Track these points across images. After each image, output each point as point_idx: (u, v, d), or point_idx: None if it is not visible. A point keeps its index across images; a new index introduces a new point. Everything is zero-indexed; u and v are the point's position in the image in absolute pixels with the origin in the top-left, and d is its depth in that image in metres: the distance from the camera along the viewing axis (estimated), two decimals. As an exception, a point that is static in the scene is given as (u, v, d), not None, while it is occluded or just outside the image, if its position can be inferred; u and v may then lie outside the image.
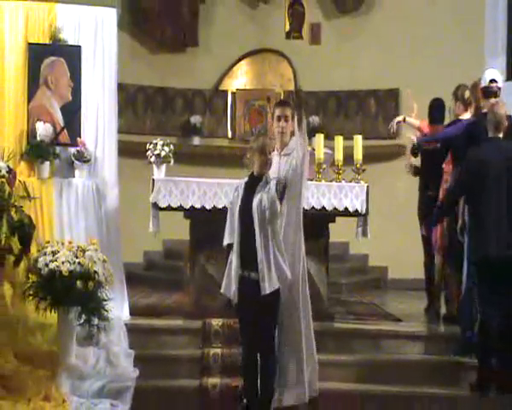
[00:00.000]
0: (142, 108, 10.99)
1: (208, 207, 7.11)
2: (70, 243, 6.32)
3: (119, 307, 6.89)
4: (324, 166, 7.37)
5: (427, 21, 10.49)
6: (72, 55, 7.14)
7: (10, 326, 6.30)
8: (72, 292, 6.07)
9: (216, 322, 6.81)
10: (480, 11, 9.82)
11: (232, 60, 11.28)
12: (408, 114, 8.22)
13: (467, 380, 6.45)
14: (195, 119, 11.06)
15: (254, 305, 5.62)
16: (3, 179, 6.42)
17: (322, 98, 11.09)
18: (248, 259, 5.63)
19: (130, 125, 10.59)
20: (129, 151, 9.15)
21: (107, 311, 6.27)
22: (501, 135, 6.30)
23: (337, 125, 10.82)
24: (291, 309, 5.93)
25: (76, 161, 7.08)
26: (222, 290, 5.79)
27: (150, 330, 6.97)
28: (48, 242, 6.36)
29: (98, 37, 7.23)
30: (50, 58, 7.11)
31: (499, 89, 6.69)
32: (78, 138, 7.14)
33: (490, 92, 6.66)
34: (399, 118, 8.20)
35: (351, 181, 7.35)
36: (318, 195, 7.18)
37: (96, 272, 6.14)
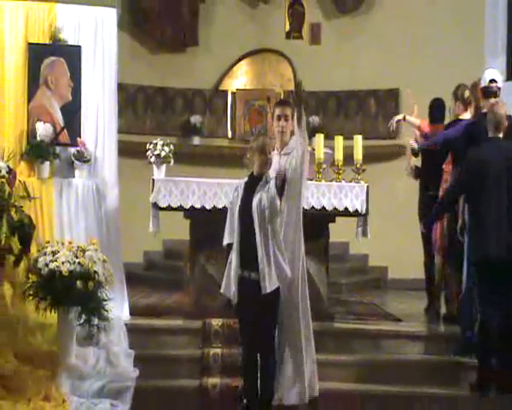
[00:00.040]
0: (142, 108, 10.99)
1: (208, 207, 7.11)
2: (70, 243, 6.32)
3: (119, 307, 6.89)
4: (324, 166, 7.37)
5: (427, 21, 10.49)
6: (72, 55, 7.14)
7: (10, 326, 6.30)
8: (72, 292, 6.07)
9: (216, 322, 6.81)
10: (479, 11, 9.82)
11: (232, 60, 11.29)
12: (408, 114, 8.22)
13: (467, 380, 6.44)
14: (195, 119, 11.06)
15: (254, 305, 5.63)
16: (3, 179, 6.42)
17: (322, 98, 11.10)
18: (248, 259, 5.63)
19: (130, 125, 10.60)
20: (129, 151, 9.16)
21: (107, 311, 6.27)
22: (501, 135, 6.29)
23: (337, 125, 10.83)
24: (290, 309, 5.93)
25: (76, 161, 7.09)
26: (222, 290, 5.79)
27: (150, 330, 6.97)
28: (48, 242, 6.37)
29: (98, 37, 7.23)
30: (50, 58, 7.11)
31: (499, 89, 6.69)
32: (78, 138, 7.14)
33: (489, 92, 6.66)
34: (399, 116, 8.20)
35: (351, 181, 7.35)
36: (318, 195, 7.18)
37: (96, 272, 6.14)
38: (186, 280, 7.98)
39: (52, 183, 6.98)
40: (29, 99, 7.05)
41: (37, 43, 7.08)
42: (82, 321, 6.22)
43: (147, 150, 7.50)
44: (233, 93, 11.27)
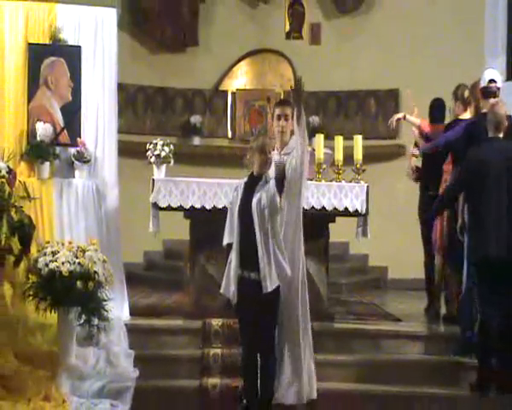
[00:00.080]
0: (142, 108, 11.00)
1: (208, 207, 7.11)
2: (70, 243, 6.32)
3: (119, 308, 6.89)
4: (324, 166, 7.37)
5: (427, 21, 10.49)
6: (72, 56, 7.15)
7: (10, 326, 6.31)
8: (72, 292, 6.07)
9: (216, 322, 6.81)
10: (479, 11, 9.81)
11: (232, 60, 11.29)
12: (408, 114, 8.22)
13: (467, 380, 6.44)
14: (195, 119, 11.07)
15: (254, 305, 5.63)
16: (3, 180, 6.43)
17: (322, 98, 11.10)
18: (248, 259, 5.63)
19: (130, 126, 10.60)
20: (129, 151, 9.16)
21: (107, 311, 6.27)
22: (501, 135, 6.30)
23: (337, 125, 10.83)
24: (290, 309, 5.93)
25: (76, 162, 7.09)
26: (221, 290, 5.79)
27: (150, 330, 6.97)
28: (48, 242, 6.37)
29: (98, 37, 7.24)
30: (50, 58, 7.11)
31: (498, 89, 6.69)
32: (78, 139, 7.14)
33: (489, 92, 6.66)
34: (399, 115, 8.20)
35: (351, 181, 7.35)
36: (318, 195, 7.18)
37: (96, 272, 6.14)
38: (186, 280, 7.98)
39: (52, 183, 6.98)
40: (29, 99, 7.06)
41: (37, 44, 7.09)
42: (82, 321, 6.22)
43: (147, 150, 7.50)
44: (233, 93, 11.27)
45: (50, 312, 6.19)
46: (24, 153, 7.00)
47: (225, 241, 5.80)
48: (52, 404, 5.82)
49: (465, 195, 6.43)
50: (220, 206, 7.01)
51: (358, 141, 7.44)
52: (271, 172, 5.78)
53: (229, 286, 5.71)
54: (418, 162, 8.12)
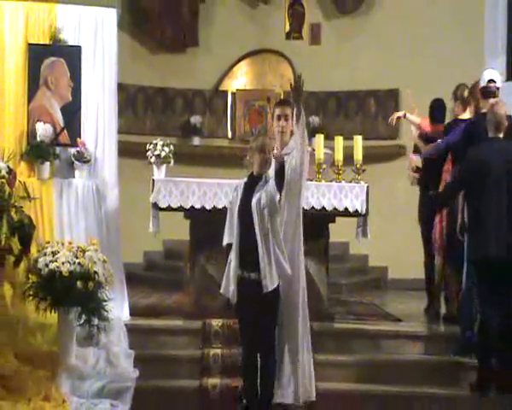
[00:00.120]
0: (142, 108, 11.01)
1: (208, 207, 7.11)
2: (70, 243, 6.33)
3: (119, 308, 6.90)
4: (324, 166, 7.37)
5: (427, 21, 10.50)
6: (72, 56, 7.15)
7: (10, 326, 6.31)
8: (73, 292, 6.07)
9: (216, 322, 6.82)
10: (479, 11, 9.82)
11: (232, 60, 11.30)
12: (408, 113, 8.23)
13: (467, 380, 6.45)
14: (195, 119, 11.07)
15: (254, 305, 5.63)
16: (3, 180, 6.43)
17: (322, 99, 11.11)
18: (248, 259, 5.63)
19: (130, 126, 10.61)
20: (129, 151, 9.16)
21: (107, 311, 6.28)
22: (501, 135, 6.30)
23: (337, 125, 10.84)
24: (290, 309, 5.93)
25: (76, 162, 7.09)
26: (221, 290, 5.79)
27: (150, 330, 6.97)
28: (48, 242, 6.37)
29: (98, 37, 7.24)
30: (50, 58, 7.11)
31: (498, 89, 6.70)
32: (78, 139, 7.15)
33: (488, 92, 6.67)
34: (400, 113, 8.21)
35: (351, 181, 7.35)
36: (318, 195, 7.18)
37: (96, 272, 6.15)
38: (186, 280, 7.98)
39: (52, 183, 6.98)
40: (29, 99, 7.06)
41: (38, 44, 7.09)
42: (82, 321, 6.22)
43: (147, 151, 7.51)
44: (233, 93, 11.28)
45: (50, 312, 6.19)
46: (24, 153, 7.00)
47: (225, 241, 5.80)
48: (52, 404, 5.82)
49: (465, 194, 6.43)
50: (220, 206, 7.02)
51: (358, 141, 7.45)
52: (271, 171, 5.78)
53: (228, 286, 5.71)
54: (418, 163, 8.11)
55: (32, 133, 7.03)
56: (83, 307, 6.17)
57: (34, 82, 7.07)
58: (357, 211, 7.24)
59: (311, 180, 7.15)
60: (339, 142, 7.41)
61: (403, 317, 7.56)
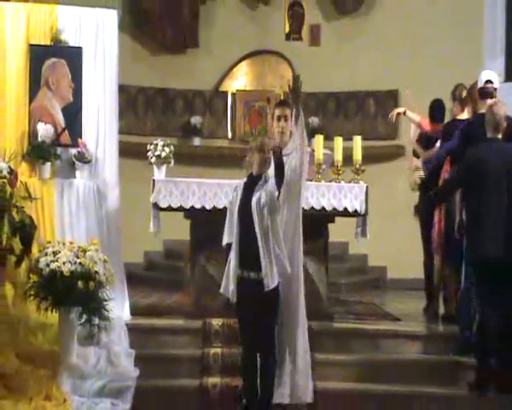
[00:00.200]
0: (142, 108, 11.03)
1: (208, 207, 7.13)
2: (71, 243, 6.34)
3: (119, 307, 6.91)
4: (324, 166, 7.39)
5: (426, 21, 10.52)
6: (73, 57, 7.17)
7: (12, 326, 6.33)
8: (73, 292, 6.09)
9: (216, 322, 6.84)
10: (478, 12, 9.84)
11: (232, 61, 11.32)
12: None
13: (465, 380, 6.46)
14: (196, 119, 11.10)
15: (254, 305, 5.65)
16: (5, 180, 6.46)
17: (321, 99, 11.14)
18: (248, 259, 5.65)
19: (130, 126, 10.63)
20: (129, 152, 9.18)
21: (107, 311, 6.29)
22: (500, 136, 6.31)
23: (336, 125, 10.87)
24: (290, 309, 5.95)
25: (77, 162, 7.11)
26: (221, 290, 5.80)
27: (151, 329, 6.99)
28: (49, 242, 6.39)
29: (99, 38, 7.26)
30: (51, 59, 7.13)
31: (495, 89, 6.71)
32: (79, 139, 7.16)
33: (486, 93, 6.68)
34: (400, 109, 8.22)
35: (350, 182, 7.37)
36: (318, 195, 7.20)
37: (96, 272, 6.16)
38: (186, 280, 7.99)
39: (53, 183, 7.00)
40: (30, 100, 7.08)
41: (39, 45, 7.11)
42: (83, 321, 6.24)
43: (147, 151, 7.52)
44: (233, 94, 11.30)
45: (51, 311, 6.21)
46: (25, 153, 7.02)
47: (225, 241, 5.82)
48: (53, 403, 5.83)
49: (463, 194, 6.45)
50: (220, 206, 7.03)
51: (358, 141, 7.46)
52: (271, 171, 5.80)
53: (228, 286, 5.73)
54: (419, 163, 8.12)
55: (33, 134, 7.05)
56: (84, 306, 6.19)
57: (35, 83, 7.09)
58: (356, 211, 7.25)
59: (311, 180, 7.17)
60: (338, 142, 7.43)
61: (402, 316, 7.58)
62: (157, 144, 7.52)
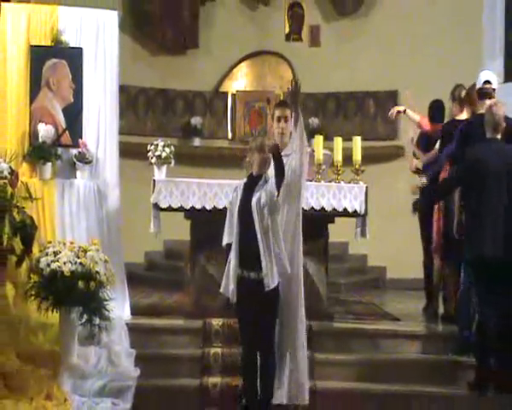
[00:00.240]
0: (143, 109, 11.05)
1: (209, 207, 7.15)
2: (72, 243, 6.34)
3: (120, 307, 6.93)
4: (323, 167, 7.41)
5: (426, 22, 10.53)
6: (73, 58, 7.18)
7: (12, 326, 6.33)
8: (74, 292, 6.09)
9: (216, 322, 6.85)
10: (478, 12, 9.86)
11: (232, 62, 11.34)
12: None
13: (465, 379, 6.47)
14: (196, 120, 11.11)
15: (254, 305, 5.66)
16: (6, 180, 6.47)
17: (321, 100, 11.15)
18: (248, 259, 5.66)
19: (131, 127, 10.64)
20: (130, 152, 9.19)
21: (108, 311, 6.30)
22: (499, 136, 6.31)
23: (336, 126, 10.87)
24: (290, 309, 5.96)
25: (77, 162, 7.13)
26: (221, 290, 5.82)
27: (151, 329, 7.01)
28: (50, 242, 6.39)
29: (100, 39, 7.27)
30: (52, 60, 7.15)
31: (494, 90, 6.71)
32: (80, 140, 7.18)
33: (484, 94, 6.68)
34: (400, 108, 8.23)
35: (350, 182, 7.38)
36: (317, 195, 7.21)
37: (97, 272, 6.17)
38: (186, 280, 8.00)
39: (54, 184, 7.01)
40: (31, 101, 7.10)
41: (39, 46, 7.13)
42: (83, 321, 6.24)
43: (148, 151, 7.54)
44: (233, 95, 11.32)
45: (52, 311, 6.21)
46: (26, 154, 7.03)
47: (225, 241, 5.83)
48: (54, 403, 5.83)
49: (463, 194, 6.46)
50: (220, 206, 7.04)
51: (357, 142, 7.48)
52: (271, 171, 5.82)
53: (228, 286, 5.74)
54: (419, 164, 8.14)
55: (33, 134, 7.06)
56: (84, 306, 6.20)
57: (36, 83, 7.10)
58: (356, 211, 7.27)
59: (311, 181, 7.19)
60: (338, 142, 7.45)
61: (401, 316, 7.59)
62: (157, 145, 7.54)
